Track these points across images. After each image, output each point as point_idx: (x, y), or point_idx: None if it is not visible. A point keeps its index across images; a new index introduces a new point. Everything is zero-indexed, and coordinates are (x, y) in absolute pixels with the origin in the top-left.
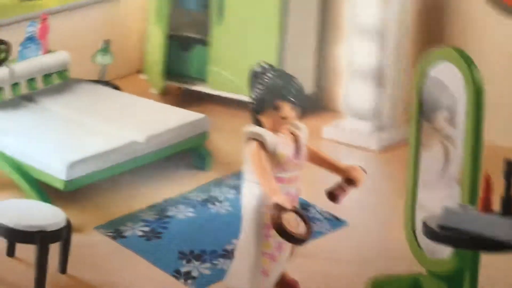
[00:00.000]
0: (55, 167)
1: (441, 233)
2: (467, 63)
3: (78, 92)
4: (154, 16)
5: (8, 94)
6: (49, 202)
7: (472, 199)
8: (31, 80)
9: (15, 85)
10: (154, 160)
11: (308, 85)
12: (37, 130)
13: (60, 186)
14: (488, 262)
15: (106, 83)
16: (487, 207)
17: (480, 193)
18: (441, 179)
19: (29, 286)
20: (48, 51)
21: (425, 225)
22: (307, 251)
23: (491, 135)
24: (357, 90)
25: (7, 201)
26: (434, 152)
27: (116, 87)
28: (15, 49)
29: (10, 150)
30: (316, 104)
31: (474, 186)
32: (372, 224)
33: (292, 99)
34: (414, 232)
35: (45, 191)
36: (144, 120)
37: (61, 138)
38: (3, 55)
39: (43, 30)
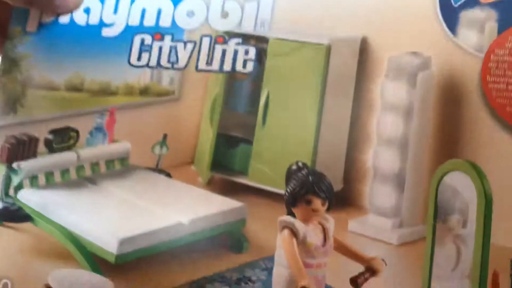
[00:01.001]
0: (108, 242)
1: None
2: (479, 176)
3: (135, 177)
4: (207, 117)
5: (73, 175)
6: (100, 273)
7: None
8: (94, 164)
9: (80, 167)
10: (196, 240)
11: (337, 182)
12: (95, 208)
13: (111, 259)
14: None
15: (160, 171)
16: None
17: None
18: (453, 273)
19: None
20: (113, 141)
21: None
22: None
23: (498, 237)
24: (379, 190)
25: (66, 270)
26: (447, 249)
27: (169, 175)
28: (84, 136)
29: (70, 225)
30: (343, 200)
31: (483, 282)
32: None
33: (322, 194)
34: None
35: (97, 263)
36: (190, 204)
37: (116, 217)
38: (72, 141)
39: (110, 122)
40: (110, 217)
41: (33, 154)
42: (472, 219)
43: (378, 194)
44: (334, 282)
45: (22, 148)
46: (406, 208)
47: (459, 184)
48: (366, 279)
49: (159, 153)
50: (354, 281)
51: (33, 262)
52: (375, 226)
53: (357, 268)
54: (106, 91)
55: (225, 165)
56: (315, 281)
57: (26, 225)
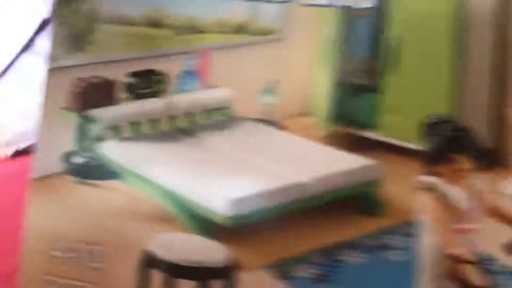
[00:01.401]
0: (218, 203)
1: None
2: None
3: (240, 130)
4: (322, 62)
5: (164, 126)
6: (211, 238)
7: None
8: (189, 114)
9: (173, 117)
10: (320, 203)
11: (485, 139)
12: (198, 165)
13: (223, 222)
14: None
15: (271, 123)
16: None
17: None
18: None
19: None
20: (208, 87)
21: None
22: None
23: None
24: None
25: (168, 234)
26: None
27: (282, 128)
28: (173, 81)
29: (169, 183)
30: (492, 159)
31: None
32: None
33: (469, 152)
34: None
35: (207, 226)
36: (311, 162)
37: (224, 174)
38: (159, 86)
39: (204, 65)
40: (218, 175)
41: (111, 100)
42: None
43: None
44: (490, 250)
45: (96, 93)
46: None
47: None
48: None
49: (267, 102)
50: (509, 247)
51: (126, 225)
52: None
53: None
54: (193, 28)
55: (347, 117)
56: (466, 248)
57: (113, 183)
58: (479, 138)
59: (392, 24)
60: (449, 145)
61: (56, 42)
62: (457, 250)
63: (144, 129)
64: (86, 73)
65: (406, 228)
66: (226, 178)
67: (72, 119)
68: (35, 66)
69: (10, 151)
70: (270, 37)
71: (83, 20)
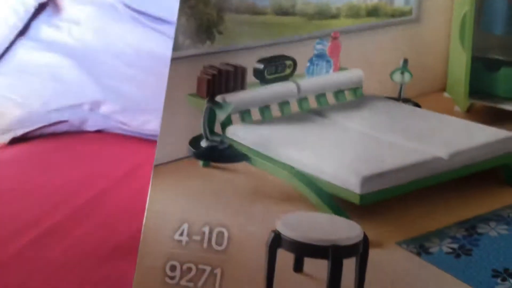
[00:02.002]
0: (350, 181)
1: None
2: None
3: (373, 109)
4: (457, 38)
5: (295, 108)
6: (344, 216)
7: None
8: (320, 96)
9: (303, 100)
10: (458, 177)
11: None
12: (329, 144)
13: (355, 200)
14: None
15: (406, 101)
16: None
17: None
18: None
19: None
20: (339, 69)
21: None
22: None
23: None
24: None
25: (297, 213)
26: None
27: (417, 105)
28: (302, 66)
29: (299, 163)
30: None
31: None
32: None
33: None
34: None
35: (339, 204)
36: (448, 136)
37: (356, 153)
38: (288, 70)
39: (334, 48)
40: (349, 153)
41: (240, 86)
42: None
43: None
44: None
45: (226, 80)
46: None
47: None
48: None
49: (401, 80)
50: None
51: (253, 206)
52: None
53: None
54: (325, 14)
55: (486, 91)
56: None
57: (239, 166)
58: None
59: None
60: None
61: (182, 32)
62: None
63: (274, 112)
64: (215, 61)
65: None
66: (358, 155)
67: (201, 105)
68: (31, 52)
69: (7, 138)
70: (403, 18)
71: (212, 10)
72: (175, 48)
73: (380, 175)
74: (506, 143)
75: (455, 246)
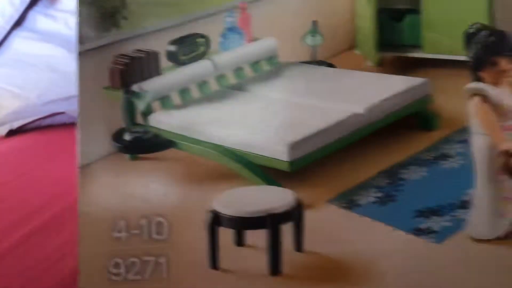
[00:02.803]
0: (278, 150)
1: None
2: None
3: (291, 75)
4: None
5: (214, 86)
6: (277, 185)
7: None
8: (238, 70)
9: (221, 76)
10: (378, 129)
11: None
12: (253, 117)
13: (284, 167)
14: None
15: (320, 63)
16: None
17: None
18: None
19: (265, 269)
20: (252, 40)
21: None
22: None
23: None
24: None
25: (231, 190)
26: None
27: (331, 65)
28: (215, 42)
29: (226, 140)
30: None
31: None
32: None
33: (508, 53)
34: None
35: (270, 174)
36: (363, 91)
37: (280, 122)
38: (202, 48)
39: (244, 19)
40: (273, 123)
41: (155, 71)
42: None
43: None
44: None
45: (140, 67)
46: None
47: None
48: None
49: (313, 43)
50: None
51: (188, 191)
52: None
53: None
54: None
55: (394, 42)
56: None
57: (168, 153)
58: None
59: None
60: (490, 49)
61: (84, 23)
62: (506, 145)
63: (194, 94)
64: (125, 49)
65: (460, 135)
66: (282, 124)
67: (118, 97)
68: (27, 43)
69: (4, 130)
70: None
71: None
72: (81, 41)
73: (305, 140)
74: (417, 89)
75: (380, 194)
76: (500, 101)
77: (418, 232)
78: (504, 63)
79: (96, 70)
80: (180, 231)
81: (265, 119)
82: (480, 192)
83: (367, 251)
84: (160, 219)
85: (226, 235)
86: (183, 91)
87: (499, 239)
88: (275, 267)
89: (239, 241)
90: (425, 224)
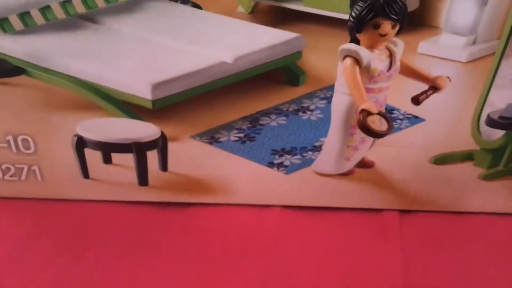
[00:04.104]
0: (140, 88)
1: (499, 121)
2: None
3: (149, 11)
4: None
5: (60, 13)
6: (139, 119)
7: None
8: None
9: (66, 3)
10: (244, 79)
11: (412, 2)
12: (110, 52)
13: (147, 105)
14: None
15: (185, 1)
16: None
17: None
18: None
19: (134, 182)
20: None
21: (488, 116)
22: (385, 141)
23: None
24: (459, 5)
25: (95, 120)
26: None
27: (197, 6)
28: None
29: (83, 74)
30: (415, 21)
31: None
32: (445, 120)
33: (393, 16)
34: (478, 124)
35: (132, 110)
36: (232, 40)
37: (141, 59)
38: None
39: None
40: (134, 60)
41: None
42: None
43: (458, 10)
44: (395, 103)
45: None
46: (483, 24)
47: None
48: (427, 96)
49: None
50: (416, 99)
51: (49, 117)
52: (447, 45)
53: (421, 88)
54: None
55: None
56: (376, 104)
57: (24, 79)
58: (407, 2)
59: None
60: (374, 11)
61: None
62: (366, 105)
63: (37, 19)
64: None
65: (325, 93)
66: (144, 62)
67: None
68: None
69: None
70: None
71: None
72: None
73: (169, 81)
74: (288, 45)
75: (241, 135)
76: (371, 65)
77: (271, 165)
78: (386, 27)
79: None
80: (49, 149)
81: (124, 55)
82: (331, 140)
83: (226, 176)
84: (26, 137)
85: (93, 154)
86: (24, 15)
87: (340, 175)
88: (143, 180)
89: (106, 160)
90: (278, 160)
